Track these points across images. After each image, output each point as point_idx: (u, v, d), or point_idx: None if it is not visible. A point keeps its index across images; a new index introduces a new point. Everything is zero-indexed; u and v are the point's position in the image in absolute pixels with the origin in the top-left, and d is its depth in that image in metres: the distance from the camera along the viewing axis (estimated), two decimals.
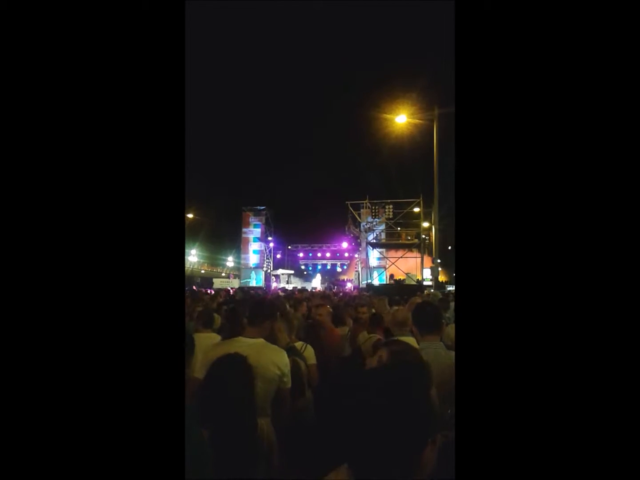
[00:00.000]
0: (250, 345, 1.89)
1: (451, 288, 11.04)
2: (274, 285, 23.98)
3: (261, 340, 2.02)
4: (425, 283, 14.86)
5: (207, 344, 2.26)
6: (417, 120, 12.01)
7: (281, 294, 8.97)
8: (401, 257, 18.23)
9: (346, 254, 27.08)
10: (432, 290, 9.42)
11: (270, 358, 1.91)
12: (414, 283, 15.23)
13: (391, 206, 20.29)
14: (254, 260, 26.57)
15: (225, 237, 30.27)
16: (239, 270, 27.60)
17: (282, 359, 1.95)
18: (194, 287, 11.80)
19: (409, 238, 18.94)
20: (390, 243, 19.72)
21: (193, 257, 29.30)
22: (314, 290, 14.65)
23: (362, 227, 20.89)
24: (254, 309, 2.13)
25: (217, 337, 2.74)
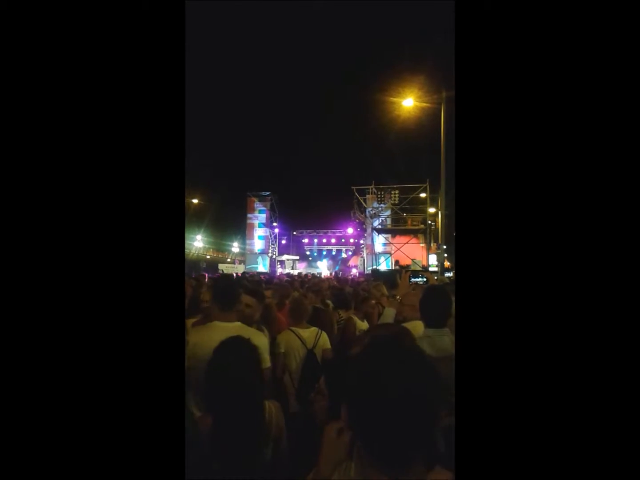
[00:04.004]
0: (228, 330, 1.88)
1: (449, 274, 10.97)
2: (279, 270, 24.11)
3: (238, 323, 2.03)
4: (430, 269, 14.86)
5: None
6: (425, 104, 11.78)
7: (297, 279, 9.02)
8: (406, 242, 18.19)
9: (352, 240, 27.08)
10: (435, 278, 9.38)
11: (255, 340, 1.92)
12: (420, 269, 15.24)
13: (397, 191, 20.11)
14: (259, 246, 26.67)
15: (230, 222, 30.34)
16: (245, 256, 27.75)
17: (259, 341, 1.98)
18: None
19: (415, 224, 18.85)
20: (396, 229, 19.63)
21: (198, 242, 29.45)
22: (319, 276, 14.73)
23: (367, 212, 20.78)
24: (222, 294, 2.07)
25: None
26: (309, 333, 2.78)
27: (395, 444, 0.67)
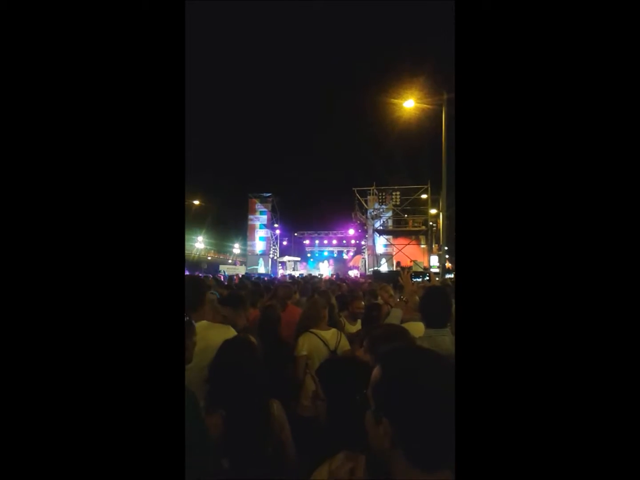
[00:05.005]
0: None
1: (450, 276, 10.96)
2: (280, 272, 24.14)
3: (204, 322, 2.12)
4: (432, 270, 14.85)
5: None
6: (426, 105, 11.79)
7: (300, 281, 8.98)
8: (408, 244, 18.19)
9: (353, 241, 27.09)
10: (437, 279, 9.39)
11: (215, 337, 1.94)
12: (421, 270, 15.23)
13: (398, 193, 20.09)
14: (260, 247, 26.74)
15: (231, 223, 30.44)
16: (246, 257, 27.78)
17: (227, 335, 2.03)
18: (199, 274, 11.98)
19: (416, 225, 18.85)
20: (397, 230, 19.63)
21: (200, 243, 29.51)
22: (321, 277, 14.73)
23: (368, 213, 20.79)
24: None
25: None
26: (330, 334, 2.73)
27: (436, 444, 0.73)
